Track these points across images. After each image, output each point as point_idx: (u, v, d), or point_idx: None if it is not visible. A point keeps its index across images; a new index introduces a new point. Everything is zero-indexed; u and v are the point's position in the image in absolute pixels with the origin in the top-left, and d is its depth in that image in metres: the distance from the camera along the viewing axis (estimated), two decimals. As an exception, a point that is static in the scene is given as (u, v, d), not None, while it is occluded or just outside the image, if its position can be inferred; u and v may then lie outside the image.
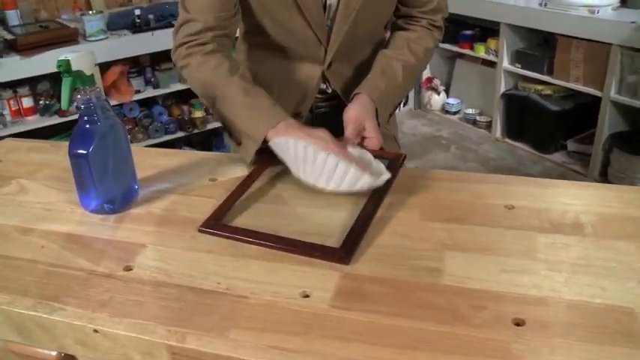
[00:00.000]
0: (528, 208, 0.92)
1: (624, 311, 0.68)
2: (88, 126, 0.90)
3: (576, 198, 0.95)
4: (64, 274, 0.80)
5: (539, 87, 3.27)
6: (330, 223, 0.89)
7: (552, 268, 0.77)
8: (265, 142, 0.99)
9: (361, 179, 0.91)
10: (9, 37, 2.62)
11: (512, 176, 1.04)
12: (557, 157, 3.28)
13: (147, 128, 3.11)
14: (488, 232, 0.86)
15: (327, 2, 1.12)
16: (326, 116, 1.26)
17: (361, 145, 1.07)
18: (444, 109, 3.93)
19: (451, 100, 3.89)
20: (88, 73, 0.86)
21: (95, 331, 0.70)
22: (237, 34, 1.29)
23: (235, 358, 0.64)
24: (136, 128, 3.08)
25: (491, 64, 3.53)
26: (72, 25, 2.82)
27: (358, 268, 0.78)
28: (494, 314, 0.69)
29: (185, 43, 1.08)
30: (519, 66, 3.31)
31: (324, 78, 1.22)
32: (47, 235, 0.90)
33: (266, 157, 1.03)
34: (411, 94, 4.02)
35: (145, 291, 0.75)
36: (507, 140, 3.49)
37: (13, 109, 2.75)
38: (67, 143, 0.93)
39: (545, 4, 3.05)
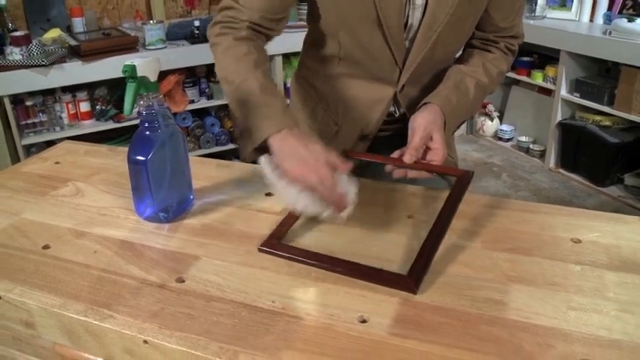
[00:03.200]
0: (596, 243, 0.87)
1: None
2: (148, 132, 0.90)
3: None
4: (116, 281, 0.79)
5: (598, 117, 3.17)
6: (390, 247, 0.86)
7: (624, 309, 0.71)
8: (264, 143, 0.93)
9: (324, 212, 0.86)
10: (73, 43, 2.70)
11: (578, 209, 0.99)
12: (613, 190, 3.16)
13: (198, 138, 3.14)
14: (554, 266, 0.81)
15: (409, 22, 1.09)
16: (388, 140, 1.22)
17: (423, 157, 1.02)
18: (497, 136, 3.85)
19: (505, 127, 3.81)
20: (152, 79, 0.86)
21: (145, 342, 0.68)
22: (302, 48, 1.27)
23: (288, 382, 0.61)
24: (188, 138, 3.11)
25: (548, 92, 3.44)
26: (133, 33, 2.89)
27: (418, 295, 0.74)
28: (562, 354, 0.64)
29: (222, 22, 1.05)
30: (578, 95, 3.21)
31: (395, 101, 1.18)
32: (101, 240, 0.90)
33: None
34: (464, 119, 3.96)
35: (198, 304, 0.73)
36: (561, 171, 3.39)
37: (70, 112, 2.82)
38: (123, 148, 0.93)
39: (610, 33, 2.95)
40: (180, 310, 0.72)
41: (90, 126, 2.86)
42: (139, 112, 0.89)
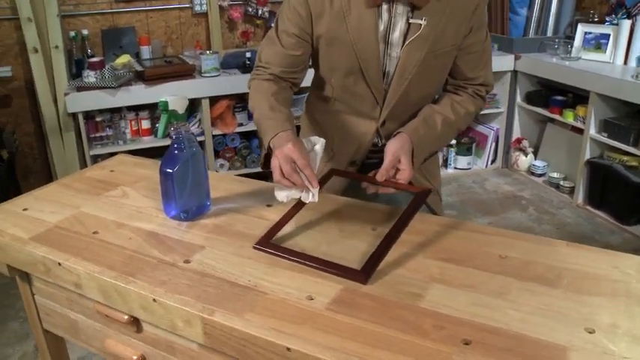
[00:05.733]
0: (518, 259, 1.08)
1: None
2: (176, 152, 1.18)
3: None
4: (141, 259, 1.08)
5: (625, 158, 3.28)
6: (353, 251, 1.11)
7: (515, 308, 0.93)
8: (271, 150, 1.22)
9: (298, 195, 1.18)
10: (139, 68, 3.08)
11: (517, 232, 1.20)
12: (638, 229, 3.25)
13: (245, 158, 3.46)
14: (476, 274, 1.03)
15: (387, 70, 1.35)
16: (375, 166, 1.47)
17: (394, 176, 1.26)
18: (530, 171, 3.99)
19: (538, 163, 3.94)
20: (180, 112, 1.14)
21: (154, 300, 0.96)
22: (310, 87, 1.54)
23: (245, 332, 0.87)
24: (235, 157, 3.44)
25: (580, 131, 3.58)
26: (191, 61, 3.25)
27: (357, 284, 0.99)
28: (451, 333, 0.86)
29: (255, 73, 1.39)
30: (606, 135, 3.34)
31: (377, 133, 1.44)
32: (135, 230, 1.19)
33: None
34: (499, 153, 4.12)
35: (195, 278, 1.01)
36: (588, 207, 3.50)
37: (133, 128, 3.20)
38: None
39: (637, 77, 3.08)
40: (182, 281, 1.00)
41: (149, 141, 3.23)
42: (169, 136, 1.18)
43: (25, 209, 1.31)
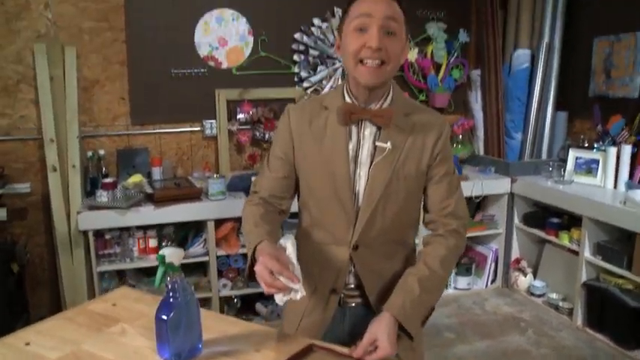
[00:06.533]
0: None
1: None
2: (171, 300, 1.29)
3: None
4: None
5: (620, 281, 3.33)
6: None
7: None
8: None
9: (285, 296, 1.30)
10: (149, 191, 3.25)
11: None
12: (639, 354, 3.24)
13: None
14: None
15: (356, 189, 1.48)
16: (355, 309, 1.57)
17: (374, 350, 1.34)
18: (530, 291, 4.03)
19: (537, 283, 3.99)
20: (176, 264, 1.26)
21: None
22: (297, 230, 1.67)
23: None
24: (238, 277, 3.52)
25: (577, 252, 3.65)
26: (199, 183, 3.43)
27: None
28: None
29: (248, 200, 1.58)
30: (600, 258, 3.41)
31: (351, 260, 1.52)
32: (129, 373, 1.27)
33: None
34: (499, 273, 4.18)
35: None
36: (587, 330, 3.51)
37: (140, 246, 3.32)
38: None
39: (625, 203, 3.20)
40: None
41: (155, 260, 3.30)
42: (166, 285, 1.29)
43: (27, 343, 1.41)
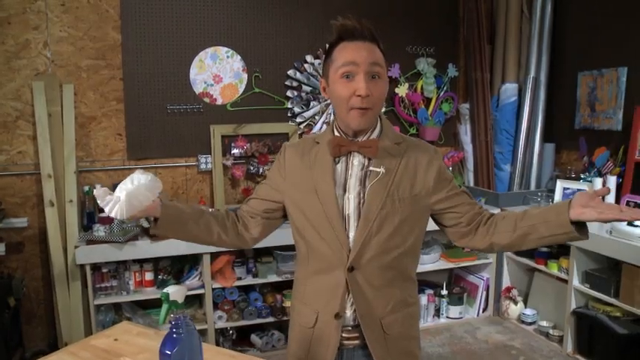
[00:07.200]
0: None
1: None
2: (175, 335, 1.34)
3: None
4: None
5: (609, 308, 3.39)
6: None
7: None
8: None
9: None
10: (145, 224, 3.30)
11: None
12: (629, 382, 3.28)
13: (242, 311, 3.58)
14: None
15: (346, 213, 1.53)
16: (353, 350, 1.58)
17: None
18: (520, 319, 4.08)
19: (527, 311, 4.05)
20: (180, 301, 1.32)
21: None
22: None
23: None
24: (233, 309, 3.56)
25: (566, 281, 3.72)
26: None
27: None
28: None
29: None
30: (588, 286, 3.48)
31: (346, 284, 1.53)
32: (134, 408, 1.32)
33: None
34: (490, 301, 4.24)
35: None
36: (578, 357, 3.56)
37: (137, 279, 3.37)
38: (165, 332, 1.37)
39: (611, 232, 3.29)
40: None
41: (151, 292, 3.38)
42: (170, 322, 1.35)
43: (33, 379, 1.45)
